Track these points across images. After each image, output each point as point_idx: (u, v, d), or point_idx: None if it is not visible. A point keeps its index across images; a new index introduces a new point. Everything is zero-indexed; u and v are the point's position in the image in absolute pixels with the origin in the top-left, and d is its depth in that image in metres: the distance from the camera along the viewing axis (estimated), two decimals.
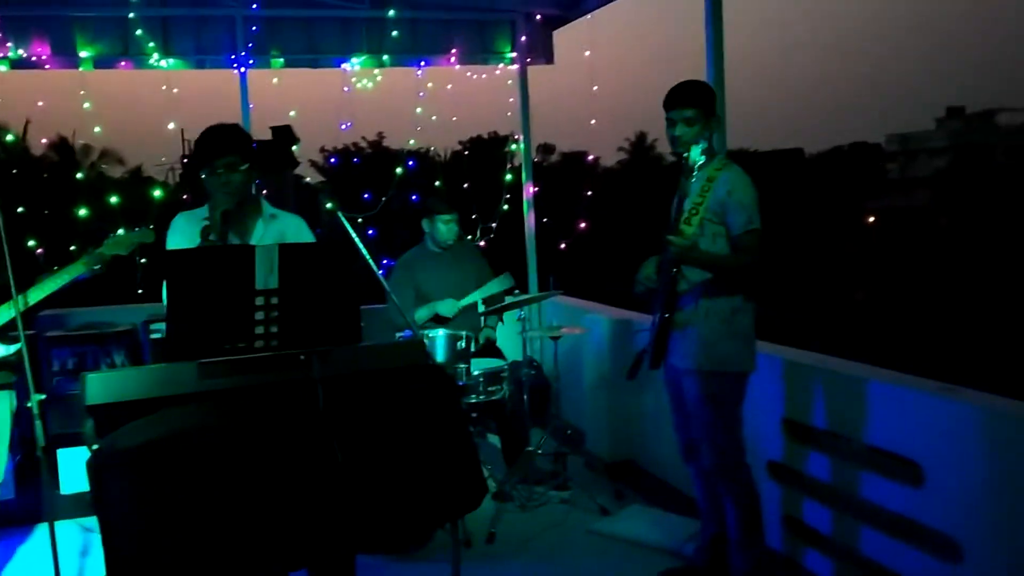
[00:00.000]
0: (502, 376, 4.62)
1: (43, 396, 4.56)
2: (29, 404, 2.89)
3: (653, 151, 44.39)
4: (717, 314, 3.34)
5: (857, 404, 3.47)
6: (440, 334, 4.41)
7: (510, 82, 6.73)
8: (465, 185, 7.46)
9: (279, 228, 3.31)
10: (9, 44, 5.71)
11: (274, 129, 6.24)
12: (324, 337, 2.51)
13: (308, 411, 2.41)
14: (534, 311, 6.09)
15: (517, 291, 4.97)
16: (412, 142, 6.78)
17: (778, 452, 3.94)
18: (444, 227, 5.03)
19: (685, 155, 3.32)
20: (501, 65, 6.69)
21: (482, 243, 6.58)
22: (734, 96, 4.55)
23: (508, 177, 6.88)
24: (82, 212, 7.08)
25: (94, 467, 2.14)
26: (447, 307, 4.90)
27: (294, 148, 6.20)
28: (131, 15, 5.79)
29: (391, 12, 6.13)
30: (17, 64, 5.85)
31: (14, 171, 23.01)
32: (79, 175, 18.57)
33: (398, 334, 4.67)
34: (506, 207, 6.89)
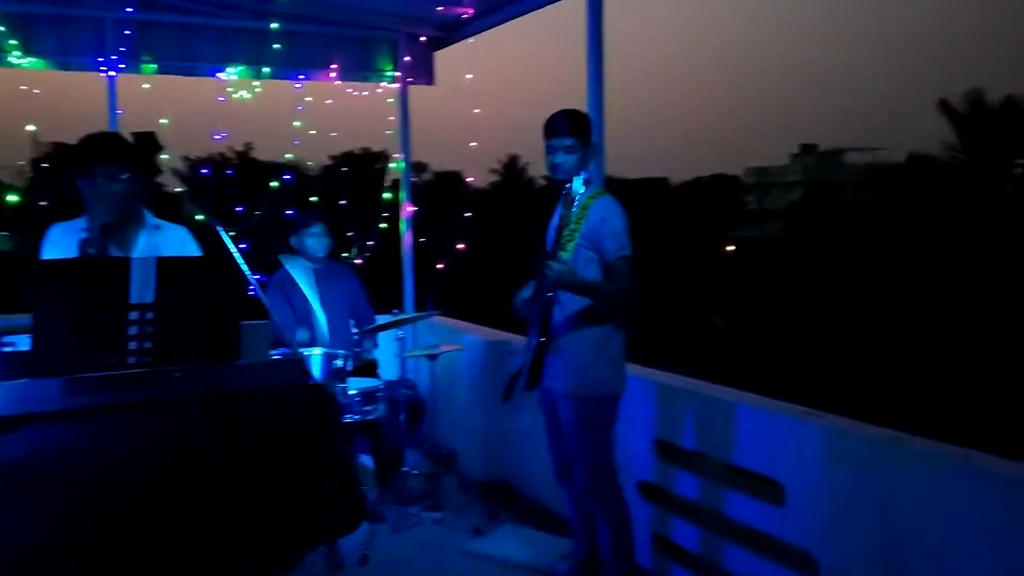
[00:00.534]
0: (378, 396, 4.59)
1: None
2: None
3: (525, 174, 45.08)
4: (590, 339, 3.44)
5: (725, 426, 3.63)
6: (316, 352, 4.34)
7: (390, 100, 6.71)
8: (342, 202, 7.36)
9: (162, 240, 3.19)
10: None
11: (136, 135, 6.00)
12: (201, 354, 2.44)
13: (182, 430, 2.33)
14: (409, 330, 6.07)
15: (396, 310, 4.95)
16: (289, 155, 6.66)
17: (649, 472, 4.06)
18: (312, 240, 4.95)
19: (568, 185, 3.41)
20: (383, 83, 6.66)
21: (358, 260, 6.52)
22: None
23: (387, 195, 6.85)
24: None
25: None
26: (320, 337, 4.80)
27: (165, 157, 5.98)
28: None
29: (273, 25, 6.02)
30: None
31: None
32: None
33: (273, 352, 4.55)
34: (384, 225, 6.85)
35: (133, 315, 2.35)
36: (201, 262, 2.95)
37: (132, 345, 2.34)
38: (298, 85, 6.36)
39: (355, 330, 5.01)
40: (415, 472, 4.86)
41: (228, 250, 2.96)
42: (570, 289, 3.36)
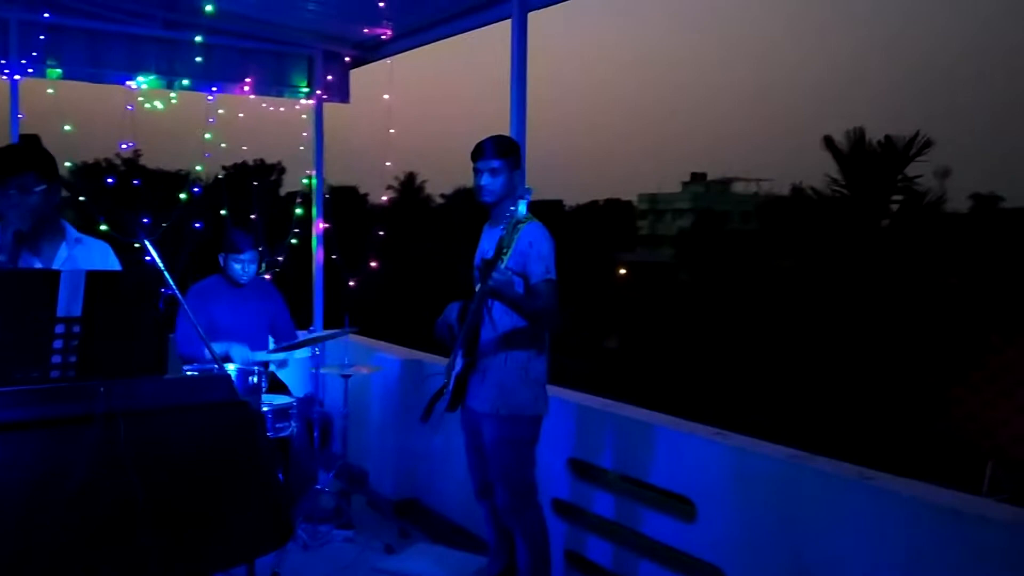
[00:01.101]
0: (290, 413, 4.55)
1: None
2: None
3: (422, 192, 45.01)
4: (515, 361, 3.52)
5: (640, 446, 3.77)
6: (232, 368, 4.28)
7: (304, 116, 6.68)
8: (252, 216, 7.25)
9: (83, 253, 3.11)
10: None
11: (21, 138, 5.82)
12: (126, 368, 2.42)
13: (105, 445, 2.30)
14: (322, 347, 6.02)
15: (312, 328, 4.93)
16: (199, 167, 6.52)
17: (564, 490, 4.16)
18: (238, 267, 4.90)
19: (513, 208, 3.39)
20: (301, 100, 6.62)
21: (267, 276, 6.43)
22: None
23: (299, 211, 6.79)
24: None
25: None
26: (239, 353, 4.73)
27: (68, 164, 5.77)
28: None
29: (197, 38, 5.92)
30: None
31: None
32: None
33: (186, 367, 4.47)
34: (294, 241, 6.78)
35: (59, 328, 2.31)
36: (128, 275, 2.90)
37: (56, 359, 2.31)
38: (210, 97, 6.25)
39: (272, 347, 4.97)
40: (327, 490, 4.83)
41: (155, 263, 2.94)
42: (506, 300, 3.39)
